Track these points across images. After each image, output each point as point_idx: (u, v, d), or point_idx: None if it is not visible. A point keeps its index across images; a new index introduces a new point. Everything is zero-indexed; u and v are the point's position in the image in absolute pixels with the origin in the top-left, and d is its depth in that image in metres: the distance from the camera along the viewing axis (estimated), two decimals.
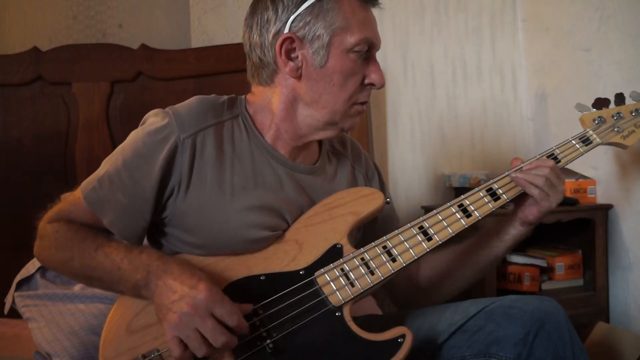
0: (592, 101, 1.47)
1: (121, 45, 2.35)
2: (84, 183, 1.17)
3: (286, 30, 1.15)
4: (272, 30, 1.16)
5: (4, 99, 2.22)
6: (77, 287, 1.59)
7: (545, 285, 2.16)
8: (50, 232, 1.16)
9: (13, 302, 1.63)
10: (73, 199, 1.18)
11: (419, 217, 1.22)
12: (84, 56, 2.28)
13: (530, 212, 1.27)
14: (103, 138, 2.24)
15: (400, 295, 1.38)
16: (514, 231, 1.30)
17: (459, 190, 2.33)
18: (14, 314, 1.64)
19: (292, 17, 1.14)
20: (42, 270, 1.64)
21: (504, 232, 1.31)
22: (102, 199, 1.14)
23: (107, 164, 1.16)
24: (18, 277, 1.65)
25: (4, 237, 2.14)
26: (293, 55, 1.16)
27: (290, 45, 1.15)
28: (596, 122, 1.43)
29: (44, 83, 2.25)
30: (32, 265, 1.66)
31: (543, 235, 2.24)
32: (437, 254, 1.31)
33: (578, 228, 2.16)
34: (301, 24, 1.14)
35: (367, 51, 1.18)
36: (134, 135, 1.17)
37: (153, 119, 1.16)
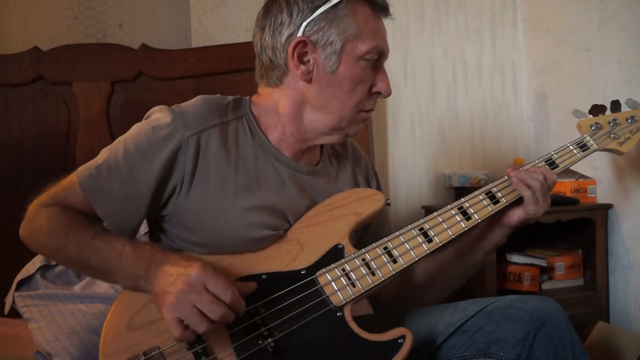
0: (592, 104, 1.50)
1: (122, 45, 2.36)
2: (81, 168, 1.16)
3: (300, 33, 1.15)
4: (286, 33, 1.16)
5: (5, 99, 2.22)
6: (77, 287, 1.59)
7: (546, 285, 2.16)
8: (44, 216, 1.14)
9: (13, 302, 1.62)
10: (68, 184, 1.17)
11: (419, 217, 1.23)
12: (85, 56, 2.28)
13: (514, 213, 1.26)
14: (103, 138, 2.24)
15: (385, 300, 1.38)
16: (492, 236, 1.30)
17: (459, 190, 2.33)
18: (14, 314, 1.63)
19: (306, 22, 1.15)
20: (42, 270, 1.64)
21: (481, 238, 1.31)
22: (97, 187, 1.13)
23: (107, 153, 1.16)
24: (18, 277, 1.64)
25: (4, 237, 2.14)
26: (305, 59, 1.17)
27: (303, 48, 1.16)
28: (593, 128, 1.46)
29: (44, 83, 2.25)
30: (32, 266, 1.65)
31: (543, 235, 2.24)
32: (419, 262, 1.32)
33: (578, 228, 2.16)
34: (315, 28, 1.15)
35: (376, 60, 1.19)
36: (137, 129, 1.16)
37: (159, 115, 1.16)
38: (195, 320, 0.99)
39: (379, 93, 1.20)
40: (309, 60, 1.16)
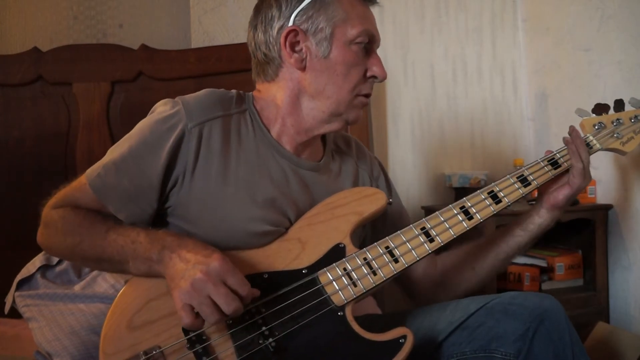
0: (593, 103, 1.49)
1: (121, 46, 2.36)
2: (89, 170, 1.18)
3: (290, 24, 1.19)
4: (277, 26, 1.20)
5: (5, 99, 2.22)
6: (78, 287, 1.59)
7: (545, 286, 2.17)
8: (56, 218, 1.16)
9: (13, 301, 1.62)
10: (78, 185, 1.18)
11: (419, 218, 1.23)
12: (85, 56, 2.28)
13: (560, 192, 1.30)
14: (103, 138, 2.25)
15: (419, 290, 1.39)
16: (539, 219, 1.32)
17: (459, 191, 2.33)
18: (14, 313, 1.63)
19: (295, 12, 1.18)
20: (42, 270, 1.64)
21: (528, 221, 1.33)
22: (107, 185, 1.15)
23: (114, 152, 1.17)
24: (18, 277, 1.64)
25: (4, 237, 2.14)
26: (297, 47, 1.19)
27: (294, 38, 1.19)
28: (596, 127, 1.45)
29: (44, 83, 2.25)
30: (33, 265, 1.65)
31: (543, 235, 2.24)
32: (457, 248, 1.33)
33: (578, 228, 2.16)
34: (304, 17, 1.18)
35: (368, 44, 1.21)
36: (142, 124, 1.18)
37: (162, 108, 1.18)
38: (208, 310, 1.00)
39: (374, 77, 1.22)
40: (301, 49, 1.19)
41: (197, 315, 1.01)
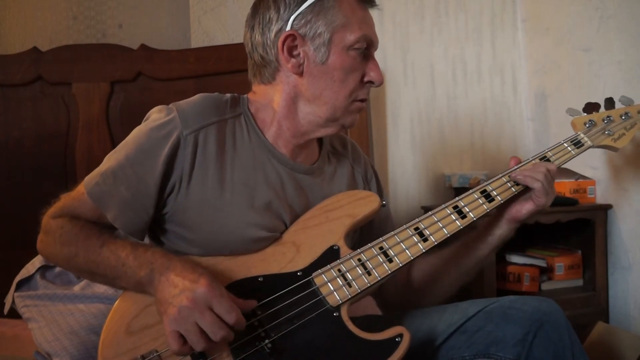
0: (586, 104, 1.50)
1: (121, 46, 2.36)
2: (87, 178, 1.18)
3: (288, 27, 1.17)
4: (274, 29, 1.18)
5: (4, 99, 2.23)
6: (77, 287, 1.59)
7: (545, 286, 2.16)
8: (54, 228, 1.16)
9: (13, 302, 1.63)
10: (76, 194, 1.19)
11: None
12: (84, 56, 2.29)
13: (523, 207, 1.28)
14: (103, 138, 2.25)
15: (389, 299, 1.39)
16: (499, 231, 1.31)
17: (459, 191, 2.33)
18: (14, 314, 1.64)
19: (293, 16, 1.17)
20: (41, 270, 1.64)
21: (487, 233, 1.32)
22: (105, 193, 1.15)
23: (110, 160, 1.17)
24: (18, 278, 1.65)
25: (4, 237, 2.15)
26: (295, 52, 1.18)
27: (292, 42, 1.17)
28: (587, 125, 1.46)
29: (44, 83, 2.26)
30: (32, 266, 1.66)
31: (543, 236, 2.24)
32: (423, 259, 1.31)
33: (578, 228, 2.16)
34: (302, 22, 1.17)
35: (366, 49, 1.20)
36: (137, 131, 1.18)
37: (157, 115, 1.18)
38: (195, 338, 1.01)
39: (371, 82, 1.22)
40: (298, 54, 1.18)
41: (185, 341, 1.01)
